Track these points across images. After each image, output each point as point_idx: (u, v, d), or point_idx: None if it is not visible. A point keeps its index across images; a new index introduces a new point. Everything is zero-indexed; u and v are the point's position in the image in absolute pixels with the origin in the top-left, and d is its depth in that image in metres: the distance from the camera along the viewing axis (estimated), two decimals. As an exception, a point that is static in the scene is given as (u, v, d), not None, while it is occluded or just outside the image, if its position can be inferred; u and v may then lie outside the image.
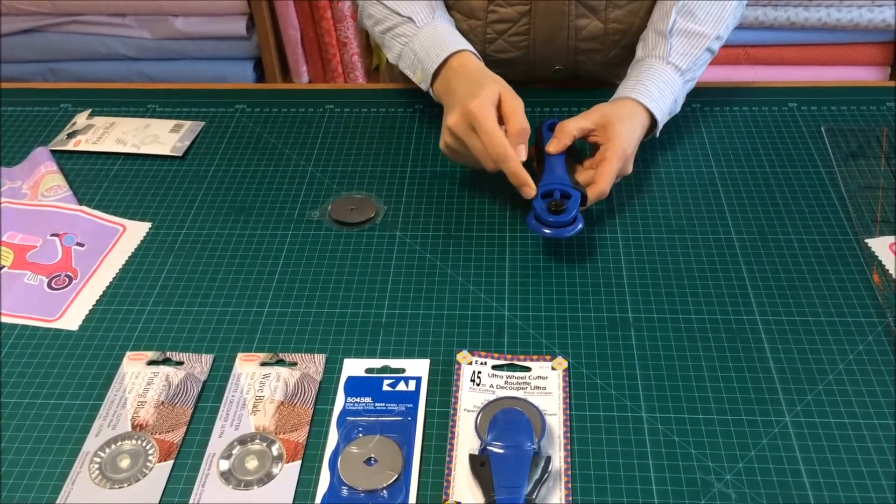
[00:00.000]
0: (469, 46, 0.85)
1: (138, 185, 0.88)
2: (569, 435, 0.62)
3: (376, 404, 0.64)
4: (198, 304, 0.74)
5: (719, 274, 0.75)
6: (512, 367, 0.67)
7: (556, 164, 0.78)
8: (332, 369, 0.68)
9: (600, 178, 0.77)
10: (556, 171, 0.78)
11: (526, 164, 0.75)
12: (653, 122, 0.83)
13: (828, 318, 0.70)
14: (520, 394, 0.65)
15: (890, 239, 0.77)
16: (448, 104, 0.80)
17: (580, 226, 0.74)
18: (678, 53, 0.85)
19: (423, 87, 0.86)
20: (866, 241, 0.77)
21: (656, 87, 0.83)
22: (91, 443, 0.62)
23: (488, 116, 0.75)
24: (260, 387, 0.66)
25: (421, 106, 0.98)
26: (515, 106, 0.77)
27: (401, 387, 0.66)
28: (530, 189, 0.75)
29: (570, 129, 0.79)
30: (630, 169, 0.81)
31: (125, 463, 0.61)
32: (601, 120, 0.80)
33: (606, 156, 0.78)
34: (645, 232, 0.80)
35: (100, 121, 0.98)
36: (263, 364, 0.68)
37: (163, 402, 0.65)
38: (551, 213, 0.74)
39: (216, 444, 0.62)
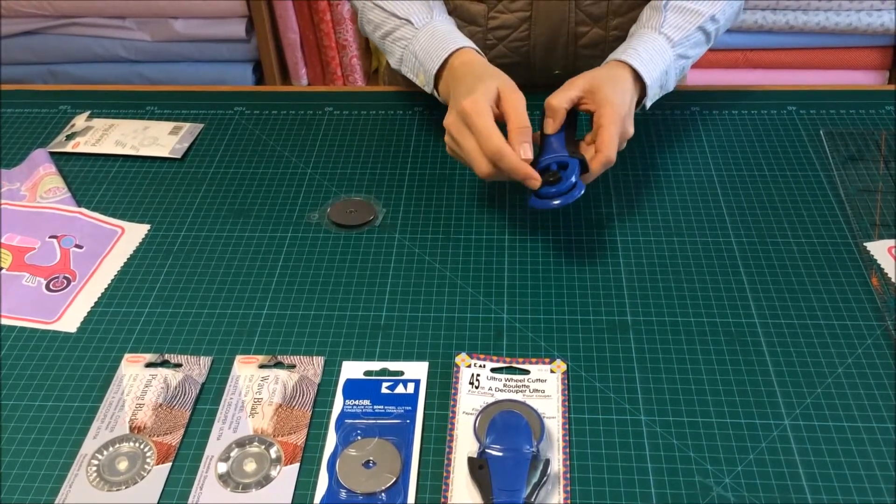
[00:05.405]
0: (470, 43, 0.83)
1: (137, 187, 0.88)
2: (568, 438, 0.62)
3: (375, 407, 0.64)
4: (196, 306, 0.74)
5: (718, 277, 0.75)
6: (511, 370, 0.67)
7: (554, 140, 0.77)
8: (331, 372, 0.68)
9: (602, 146, 0.74)
10: (552, 147, 0.76)
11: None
12: (643, 86, 0.81)
13: (826, 322, 0.70)
14: (518, 397, 0.64)
15: (889, 242, 0.77)
16: (450, 104, 0.79)
17: (581, 191, 0.72)
18: (671, 25, 0.84)
19: (427, 89, 0.85)
20: (865, 244, 0.77)
21: (647, 52, 0.81)
22: (89, 445, 0.62)
23: (482, 114, 0.72)
24: (258, 389, 0.66)
25: (420, 108, 0.99)
26: (516, 102, 0.74)
27: (399, 389, 0.66)
28: (535, 181, 0.73)
29: (560, 104, 0.77)
30: (631, 130, 0.78)
31: (123, 465, 0.61)
32: (587, 85, 0.77)
33: (602, 123, 0.75)
34: (644, 235, 0.80)
35: (99, 122, 0.98)
36: (262, 366, 0.68)
37: (161, 405, 0.65)
38: (549, 185, 0.73)
39: (214, 447, 0.62)
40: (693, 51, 0.87)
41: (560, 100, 0.77)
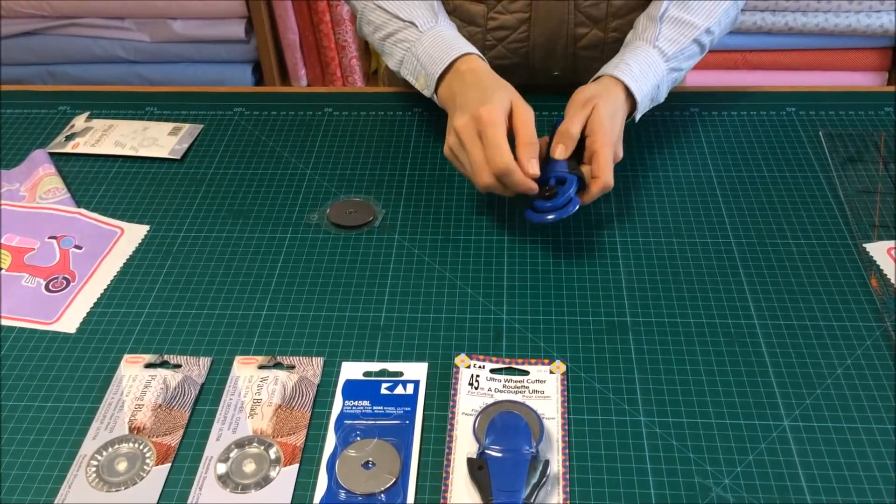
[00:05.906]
0: (475, 49, 0.84)
1: (136, 188, 0.88)
2: (567, 439, 0.62)
3: (374, 408, 0.64)
4: (196, 306, 0.74)
5: (717, 278, 0.75)
6: (510, 371, 0.67)
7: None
8: (330, 372, 0.68)
9: (600, 171, 0.75)
10: (554, 162, 0.77)
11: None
12: (633, 101, 0.81)
13: (826, 323, 0.70)
14: (518, 397, 0.65)
15: (888, 244, 0.77)
16: (457, 107, 0.78)
17: (575, 208, 0.74)
18: (666, 39, 0.84)
19: (426, 92, 0.85)
20: (864, 245, 0.77)
21: (638, 66, 0.82)
22: (88, 445, 0.62)
23: (496, 125, 0.73)
24: (258, 390, 0.66)
25: (419, 109, 0.99)
26: (526, 117, 0.75)
27: (399, 390, 0.66)
28: (534, 192, 0.74)
29: (577, 133, 0.77)
30: (621, 154, 0.79)
31: (122, 466, 0.61)
32: (588, 103, 0.78)
33: (596, 148, 0.76)
34: (643, 236, 0.80)
35: (98, 123, 0.98)
36: (261, 367, 0.68)
37: (160, 405, 0.65)
38: (546, 199, 0.74)
39: (213, 448, 0.62)
40: (686, 63, 0.88)
41: (577, 128, 0.77)
